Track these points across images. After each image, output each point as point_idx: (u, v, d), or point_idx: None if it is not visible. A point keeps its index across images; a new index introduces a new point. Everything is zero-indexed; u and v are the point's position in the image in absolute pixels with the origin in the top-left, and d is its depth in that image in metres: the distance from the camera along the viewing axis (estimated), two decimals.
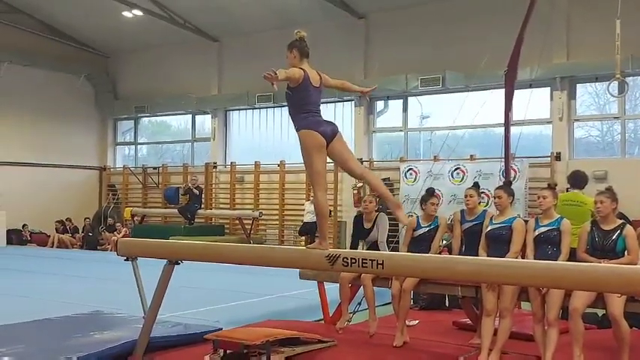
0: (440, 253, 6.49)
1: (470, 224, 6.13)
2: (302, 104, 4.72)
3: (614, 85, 9.93)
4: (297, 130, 4.71)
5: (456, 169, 14.11)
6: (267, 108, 18.16)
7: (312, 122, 4.67)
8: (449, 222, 6.55)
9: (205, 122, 19.81)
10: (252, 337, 5.27)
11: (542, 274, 3.88)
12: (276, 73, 4.34)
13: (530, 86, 12.36)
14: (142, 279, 5.52)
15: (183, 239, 12.37)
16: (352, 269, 4.67)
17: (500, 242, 5.71)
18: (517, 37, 8.02)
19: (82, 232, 19.24)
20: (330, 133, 4.71)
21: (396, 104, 16.48)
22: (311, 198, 15.89)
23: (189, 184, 17.42)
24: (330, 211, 16.50)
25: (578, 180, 7.38)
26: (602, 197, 5.46)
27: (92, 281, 11.03)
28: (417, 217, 6.61)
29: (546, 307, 5.24)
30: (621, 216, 8.27)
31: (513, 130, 8.69)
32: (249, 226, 17.15)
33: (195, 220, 17.55)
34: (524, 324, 6.20)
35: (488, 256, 5.62)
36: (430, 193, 6.59)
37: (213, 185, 19.18)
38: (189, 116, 20.21)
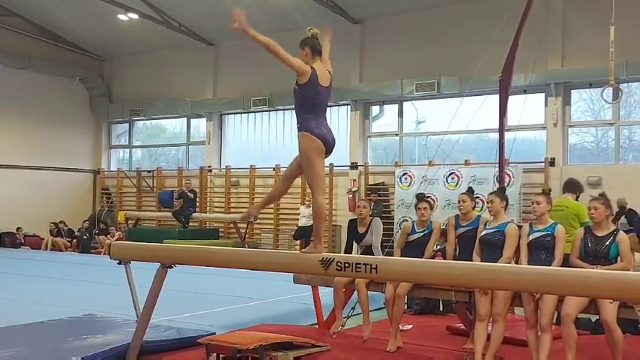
0: (434, 258, 6.49)
1: (464, 229, 6.15)
2: (308, 103, 4.63)
3: (609, 91, 9.97)
4: (299, 129, 4.63)
5: (450, 174, 14.13)
6: (262, 112, 18.17)
7: (314, 126, 4.59)
8: (443, 227, 6.56)
9: (200, 126, 19.80)
10: (245, 341, 5.26)
11: (535, 280, 3.88)
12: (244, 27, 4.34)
13: (525, 92, 12.43)
14: (135, 282, 5.50)
15: (177, 243, 12.35)
16: (346, 274, 4.67)
17: (493, 247, 5.72)
18: (512, 43, 8.04)
19: (78, 235, 19.13)
20: (332, 142, 4.65)
21: (391, 109, 16.51)
22: (306, 202, 15.89)
23: (184, 188, 17.40)
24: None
25: (570, 186, 7.42)
26: (597, 203, 5.45)
27: (85, 284, 10.99)
28: (413, 221, 6.62)
29: (539, 312, 5.24)
30: (634, 214, 8.64)
31: (508, 135, 8.71)
32: (244, 230, 17.12)
33: (190, 224, 17.52)
34: (517, 329, 6.21)
35: (482, 261, 5.63)
36: (419, 198, 6.59)
37: (208, 189, 19.17)
38: (184, 120, 20.19)
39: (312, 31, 4.75)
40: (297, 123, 4.68)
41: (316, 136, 4.58)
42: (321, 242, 4.62)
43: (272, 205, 17.53)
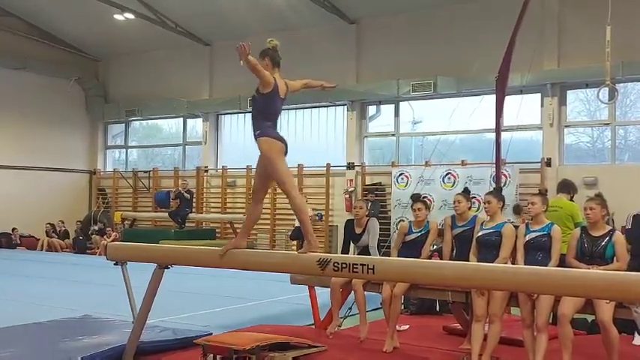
0: (431, 258, 6.50)
1: (460, 229, 6.15)
2: (266, 112, 4.80)
3: (604, 91, 9.99)
4: (259, 136, 4.76)
5: (447, 175, 14.14)
6: None
7: (274, 132, 4.78)
8: (440, 227, 6.56)
9: (196, 126, 19.77)
10: (242, 341, 5.26)
11: (532, 280, 3.88)
12: (248, 52, 4.41)
13: (521, 92, 12.41)
14: (132, 283, 5.49)
15: (173, 243, 12.32)
16: (343, 274, 4.67)
17: (490, 247, 5.72)
18: (508, 43, 8.06)
19: (74, 236, 19.11)
20: (286, 147, 4.80)
21: (387, 109, 16.50)
22: None
23: (180, 188, 17.39)
24: (322, 215, 16.56)
25: (564, 187, 7.45)
26: (592, 204, 5.46)
27: (81, 285, 10.98)
28: (409, 222, 6.62)
29: (536, 312, 5.25)
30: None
31: (504, 135, 8.72)
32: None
33: (186, 225, 17.51)
34: (513, 329, 6.21)
35: (478, 261, 5.64)
36: (414, 199, 6.59)
37: (205, 189, 19.15)
38: (181, 120, 20.16)
39: (273, 42, 4.88)
40: (256, 130, 4.80)
41: (276, 139, 4.73)
42: (314, 237, 4.66)
43: (268, 206, 17.54)
